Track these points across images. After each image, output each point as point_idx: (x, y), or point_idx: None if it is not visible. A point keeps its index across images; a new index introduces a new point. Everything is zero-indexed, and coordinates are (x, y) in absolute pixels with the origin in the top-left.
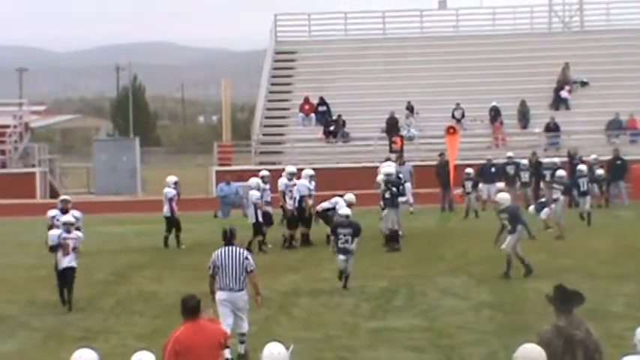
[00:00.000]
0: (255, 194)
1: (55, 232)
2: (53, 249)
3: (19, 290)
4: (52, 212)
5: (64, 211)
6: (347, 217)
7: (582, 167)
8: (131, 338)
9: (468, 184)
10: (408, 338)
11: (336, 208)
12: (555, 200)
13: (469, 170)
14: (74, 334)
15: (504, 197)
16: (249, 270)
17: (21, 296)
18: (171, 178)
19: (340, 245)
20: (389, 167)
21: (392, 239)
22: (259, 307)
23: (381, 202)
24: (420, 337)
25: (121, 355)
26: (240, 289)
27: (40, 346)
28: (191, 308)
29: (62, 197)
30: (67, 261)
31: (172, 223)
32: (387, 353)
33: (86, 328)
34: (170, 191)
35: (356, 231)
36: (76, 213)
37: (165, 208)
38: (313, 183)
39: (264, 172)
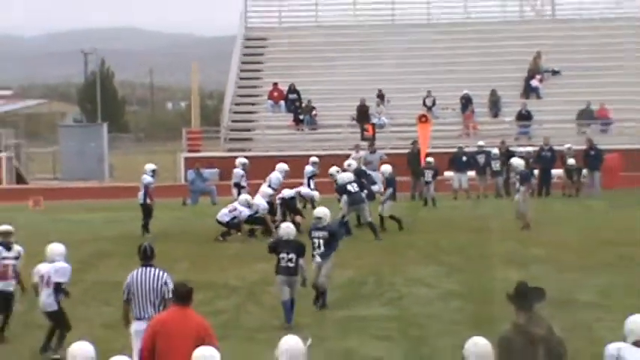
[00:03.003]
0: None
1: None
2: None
3: None
4: None
5: (6, 247)
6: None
7: (515, 161)
8: (99, 327)
9: (428, 174)
10: (377, 327)
11: (302, 194)
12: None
13: (430, 159)
14: (40, 322)
15: (326, 212)
16: (166, 297)
17: None
18: (150, 166)
19: (283, 265)
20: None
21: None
22: None
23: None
24: (389, 327)
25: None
26: None
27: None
28: (182, 295)
29: (1, 228)
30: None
31: (146, 211)
32: (356, 342)
33: None
34: (147, 178)
35: (300, 251)
36: (20, 248)
37: (140, 195)
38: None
39: (243, 160)
